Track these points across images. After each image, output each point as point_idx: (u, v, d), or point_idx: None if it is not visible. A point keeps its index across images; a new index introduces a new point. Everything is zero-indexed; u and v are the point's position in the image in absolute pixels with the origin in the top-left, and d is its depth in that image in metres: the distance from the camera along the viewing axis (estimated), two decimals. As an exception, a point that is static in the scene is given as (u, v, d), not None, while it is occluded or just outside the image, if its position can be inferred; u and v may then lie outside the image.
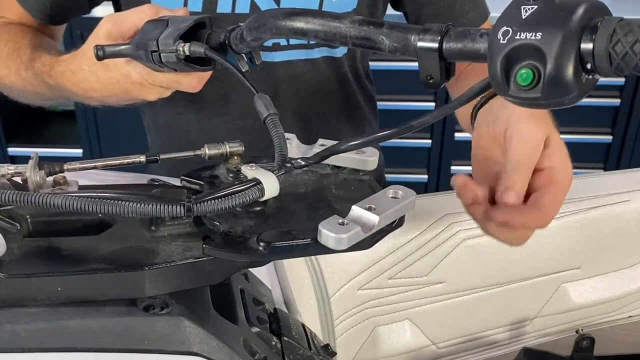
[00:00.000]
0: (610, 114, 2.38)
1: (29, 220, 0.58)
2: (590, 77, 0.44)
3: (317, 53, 1.09)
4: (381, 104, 1.31)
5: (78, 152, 2.49)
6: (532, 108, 0.46)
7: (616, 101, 2.34)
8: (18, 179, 0.57)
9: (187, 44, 0.67)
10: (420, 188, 2.45)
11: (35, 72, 0.91)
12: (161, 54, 0.69)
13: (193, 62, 0.69)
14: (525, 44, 0.43)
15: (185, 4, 1.02)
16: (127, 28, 0.75)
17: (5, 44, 0.97)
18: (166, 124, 1.17)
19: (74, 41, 2.02)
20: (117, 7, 1.10)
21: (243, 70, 0.66)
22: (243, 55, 0.67)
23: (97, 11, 1.11)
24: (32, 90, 0.95)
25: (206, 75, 0.76)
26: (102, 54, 0.73)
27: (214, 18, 0.72)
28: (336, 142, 0.61)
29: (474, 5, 1.09)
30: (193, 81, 0.77)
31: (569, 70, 0.42)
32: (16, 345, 0.50)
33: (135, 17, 0.75)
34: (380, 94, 1.30)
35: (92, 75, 0.81)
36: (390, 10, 1.15)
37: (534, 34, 0.43)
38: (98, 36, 0.77)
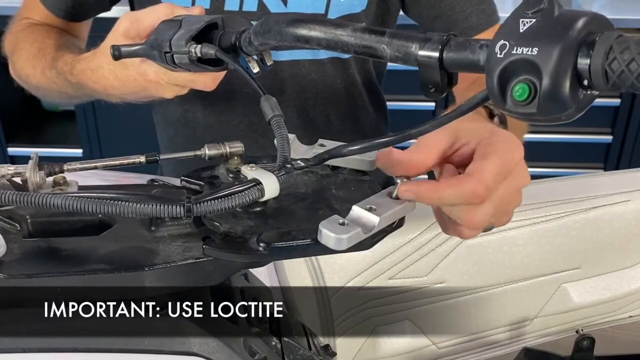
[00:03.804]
0: (610, 114, 2.38)
1: (28, 220, 0.58)
2: (589, 92, 0.42)
3: (324, 54, 1.09)
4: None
5: (78, 152, 2.49)
6: (529, 122, 0.45)
7: (616, 101, 2.34)
8: (18, 179, 0.57)
9: (199, 46, 0.67)
10: (420, 188, 2.44)
11: (59, 70, 0.93)
12: (174, 55, 0.69)
13: (206, 63, 0.69)
14: (522, 59, 0.42)
15: (193, 2, 1.02)
16: (143, 27, 0.76)
17: (31, 45, 0.99)
18: (174, 120, 1.18)
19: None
20: (133, 6, 1.11)
21: (255, 72, 0.66)
22: (254, 56, 0.67)
23: (114, 11, 1.12)
24: (57, 89, 0.97)
25: (220, 74, 0.77)
26: (118, 54, 0.73)
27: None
28: (336, 141, 0.61)
29: (478, 10, 1.05)
30: (208, 80, 0.77)
31: (565, 87, 0.41)
32: (16, 345, 0.50)
33: (152, 16, 0.75)
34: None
35: (111, 73, 0.82)
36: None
37: (530, 48, 0.42)
38: (116, 35, 0.78)
